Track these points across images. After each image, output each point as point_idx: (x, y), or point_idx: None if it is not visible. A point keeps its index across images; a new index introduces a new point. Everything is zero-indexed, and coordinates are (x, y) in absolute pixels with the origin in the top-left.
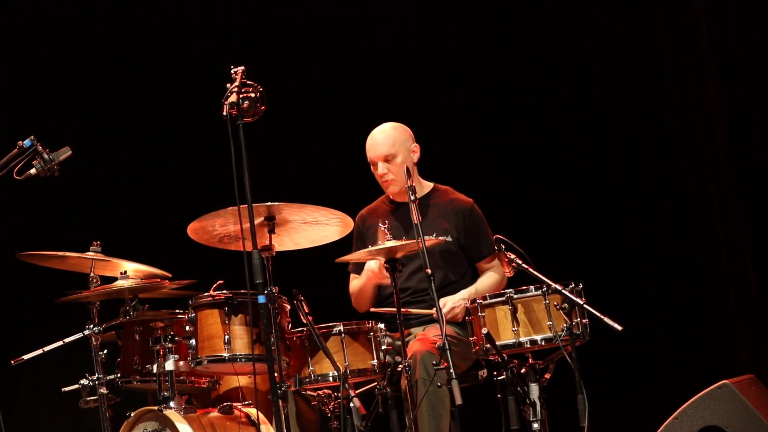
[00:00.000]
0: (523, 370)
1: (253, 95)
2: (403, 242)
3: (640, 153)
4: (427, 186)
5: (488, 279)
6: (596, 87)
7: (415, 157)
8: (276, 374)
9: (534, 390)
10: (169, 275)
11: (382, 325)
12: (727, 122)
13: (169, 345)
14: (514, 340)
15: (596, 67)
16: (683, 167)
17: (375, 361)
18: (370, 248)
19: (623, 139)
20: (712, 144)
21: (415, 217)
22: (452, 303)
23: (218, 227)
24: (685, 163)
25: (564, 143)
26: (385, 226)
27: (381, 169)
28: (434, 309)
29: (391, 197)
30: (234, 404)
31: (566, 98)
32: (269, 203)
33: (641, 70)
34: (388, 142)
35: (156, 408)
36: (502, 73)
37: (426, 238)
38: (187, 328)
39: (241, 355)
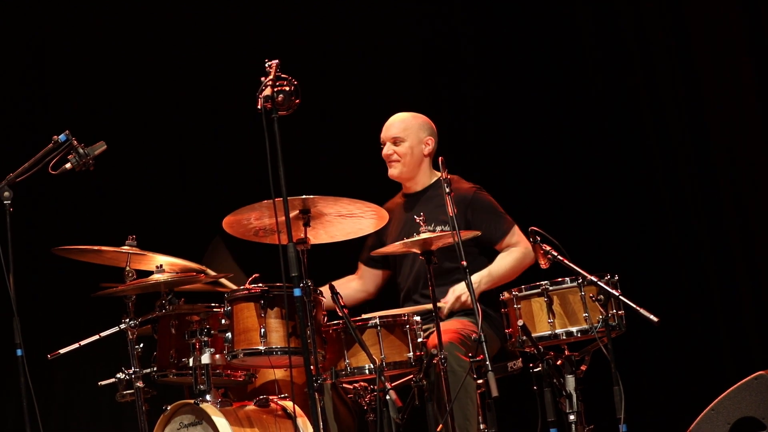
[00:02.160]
0: (559, 362)
1: (287, 89)
2: (439, 233)
3: (674, 143)
4: (433, 176)
5: (502, 260)
6: (629, 74)
7: (427, 149)
8: (312, 367)
9: (570, 382)
10: (205, 269)
11: (418, 318)
12: (761, 109)
13: (205, 338)
14: (549, 332)
15: (628, 52)
16: (717, 157)
17: (411, 354)
18: (406, 240)
19: (656, 129)
20: (746, 132)
21: (450, 210)
22: (458, 291)
23: (253, 221)
24: (719, 153)
25: (597, 134)
26: (421, 218)
27: (387, 149)
28: (430, 304)
29: (403, 189)
30: (270, 397)
31: (599, 87)
32: (304, 196)
33: (673, 54)
34: (401, 126)
35: (192, 401)
36: (533, 57)
37: (424, 229)
38: (223, 321)
39: (277, 348)
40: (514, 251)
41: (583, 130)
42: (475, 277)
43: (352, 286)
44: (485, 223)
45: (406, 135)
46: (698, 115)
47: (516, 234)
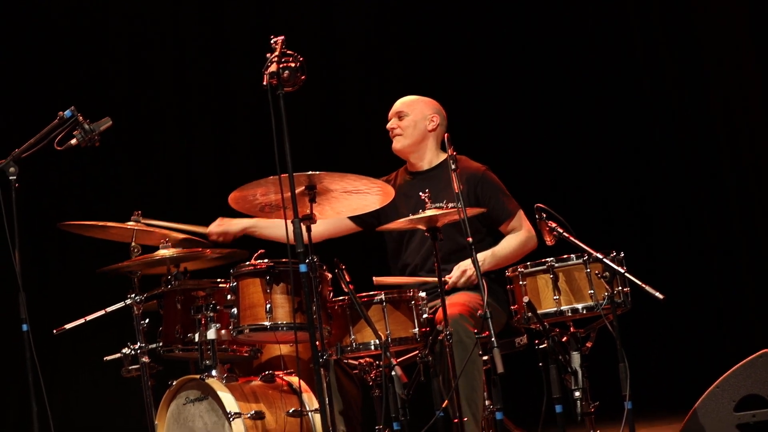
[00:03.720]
0: (564, 339)
1: (293, 65)
2: (446, 210)
3: (677, 117)
4: (441, 156)
5: (506, 242)
6: (631, 48)
7: (431, 125)
8: (318, 343)
9: (575, 358)
10: (209, 243)
11: (423, 294)
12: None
13: (211, 314)
14: (555, 309)
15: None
16: (721, 133)
17: (416, 330)
18: (412, 216)
19: (658, 104)
20: (746, 107)
21: (456, 186)
22: (463, 267)
23: (259, 196)
24: (723, 129)
25: (601, 111)
26: (426, 194)
27: (391, 123)
28: (433, 278)
29: (406, 165)
30: (276, 373)
31: (602, 63)
32: (310, 172)
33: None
34: (407, 102)
35: (198, 377)
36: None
37: (437, 206)
38: (229, 297)
39: (282, 323)
40: (519, 234)
41: (585, 108)
42: (479, 256)
43: (322, 224)
44: (493, 202)
45: (410, 110)
46: (701, 90)
47: (521, 218)
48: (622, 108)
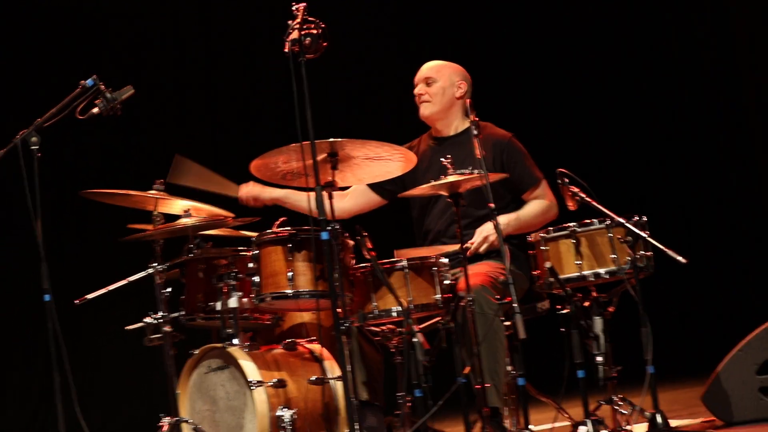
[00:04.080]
0: (586, 304)
1: (314, 32)
2: (468, 176)
3: (700, 83)
4: (466, 122)
5: (530, 206)
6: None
7: (459, 92)
8: (339, 310)
9: (598, 323)
10: (232, 215)
11: (445, 260)
12: None
13: (233, 282)
14: (577, 274)
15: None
16: (744, 99)
17: (438, 296)
18: (433, 183)
19: (686, 66)
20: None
21: (478, 152)
22: (486, 232)
23: (281, 164)
24: (749, 90)
25: (622, 73)
26: (449, 160)
27: (419, 89)
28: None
29: (431, 131)
30: (298, 341)
31: (634, 28)
32: (332, 140)
33: None
34: (435, 68)
35: (220, 345)
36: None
37: (461, 172)
38: (251, 265)
39: (304, 291)
40: (542, 202)
41: (606, 71)
42: (503, 219)
43: (348, 201)
44: (519, 169)
45: (438, 76)
46: (727, 48)
47: (544, 187)
48: (642, 67)
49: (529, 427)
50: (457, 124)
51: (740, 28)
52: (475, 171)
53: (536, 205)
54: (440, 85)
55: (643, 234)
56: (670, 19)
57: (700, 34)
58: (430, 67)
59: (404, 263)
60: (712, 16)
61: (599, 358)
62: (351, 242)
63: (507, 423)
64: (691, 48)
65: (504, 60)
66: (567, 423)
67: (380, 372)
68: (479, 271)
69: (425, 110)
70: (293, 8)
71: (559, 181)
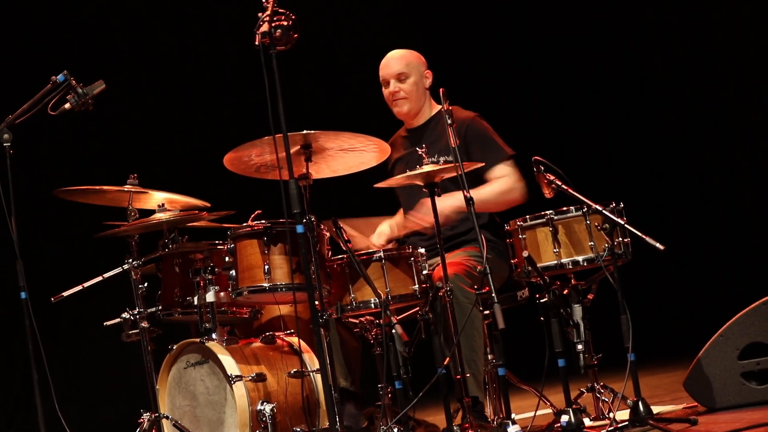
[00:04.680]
0: (565, 292)
1: (285, 23)
2: (442, 166)
3: (676, 67)
4: (433, 109)
5: (487, 187)
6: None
7: (428, 82)
8: (317, 302)
9: (577, 311)
10: (208, 205)
11: (422, 250)
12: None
13: (209, 276)
14: (555, 262)
15: None
16: (722, 82)
17: (416, 287)
18: (409, 173)
19: (659, 53)
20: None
21: (453, 141)
22: (425, 210)
23: (254, 157)
24: (724, 78)
25: (598, 60)
26: (423, 149)
27: (393, 86)
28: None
29: (404, 124)
30: (276, 334)
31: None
32: (305, 131)
33: None
34: (403, 62)
35: (198, 340)
36: None
37: (432, 161)
38: (227, 258)
39: (281, 284)
40: (503, 181)
41: (580, 57)
42: (458, 195)
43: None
44: (477, 153)
45: (409, 70)
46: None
47: (504, 167)
48: (620, 55)
49: (512, 416)
50: (426, 112)
51: (716, 11)
52: (442, 159)
53: (494, 185)
54: (413, 80)
55: (620, 221)
56: (644, 2)
57: (675, 20)
58: (398, 62)
59: (381, 254)
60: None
61: (579, 347)
62: (327, 234)
63: (488, 411)
64: (667, 32)
65: (477, 47)
66: (549, 411)
67: (358, 359)
68: (454, 261)
69: (403, 108)
70: (263, 0)
71: (535, 169)
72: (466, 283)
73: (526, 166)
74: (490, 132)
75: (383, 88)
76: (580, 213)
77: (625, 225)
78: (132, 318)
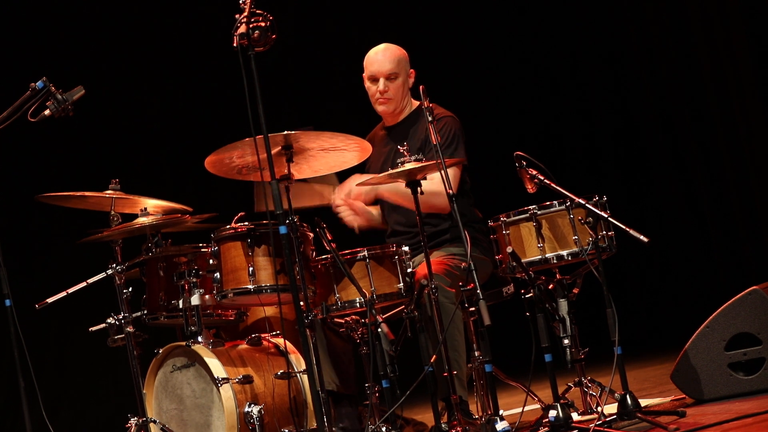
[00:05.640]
0: (550, 287)
1: (263, 24)
2: (425, 163)
3: (655, 60)
4: (412, 105)
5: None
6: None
7: (411, 81)
8: (302, 303)
9: (563, 306)
10: (190, 209)
11: (406, 248)
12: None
13: (194, 279)
14: (540, 257)
15: None
16: (704, 74)
17: (401, 285)
18: (391, 171)
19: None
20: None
21: (434, 138)
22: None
23: (236, 159)
24: (707, 71)
25: (580, 55)
26: (405, 147)
27: (382, 85)
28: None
29: (384, 122)
30: (262, 335)
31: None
32: (285, 132)
33: None
34: (394, 60)
35: (184, 343)
36: None
37: (405, 159)
38: (211, 261)
39: (266, 286)
40: (435, 182)
41: (560, 53)
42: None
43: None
44: (442, 133)
45: (399, 70)
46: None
47: (454, 171)
48: (599, 50)
49: (500, 412)
50: (406, 109)
51: (694, 5)
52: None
53: (431, 183)
54: (401, 80)
55: (603, 214)
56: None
57: (652, 13)
58: (389, 60)
59: (365, 253)
60: None
61: (566, 341)
62: (311, 234)
63: (475, 408)
64: (644, 25)
65: (457, 42)
66: (537, 406)
67: (350, 361)
68: (433, 260)
69: (389, 107)
70: (240, 2)
71: (517, 164)
72: (446, 282)
73: (508, 162)
74: (456, 134)
75: (368, 83)
76: (563, 207)
77: (609, 218)
78: (117, 323)
